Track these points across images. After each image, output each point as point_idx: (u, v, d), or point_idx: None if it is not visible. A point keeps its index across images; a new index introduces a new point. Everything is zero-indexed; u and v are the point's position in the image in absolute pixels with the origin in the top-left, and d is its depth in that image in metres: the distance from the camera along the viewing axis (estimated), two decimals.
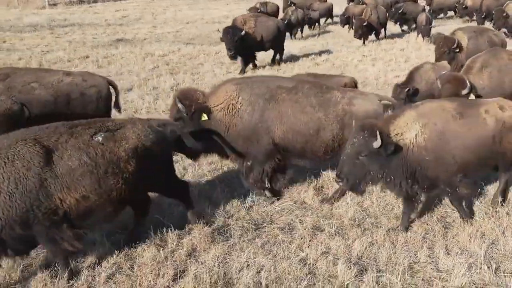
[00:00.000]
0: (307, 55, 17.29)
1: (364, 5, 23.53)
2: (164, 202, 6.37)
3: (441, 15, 27.93)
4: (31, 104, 7.04)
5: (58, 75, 7.66)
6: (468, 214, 5.92)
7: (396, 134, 5.45)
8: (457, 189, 5.64)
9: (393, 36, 22.11)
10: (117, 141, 4.94)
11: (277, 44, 15.79)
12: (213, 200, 6.50)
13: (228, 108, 6.30)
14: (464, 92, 7.75)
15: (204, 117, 6.20)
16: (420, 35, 20.35)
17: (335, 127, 6.32)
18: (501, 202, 6.21)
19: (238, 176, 6.91)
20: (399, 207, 6.24)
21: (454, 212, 6.15)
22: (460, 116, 5.61)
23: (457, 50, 11.35)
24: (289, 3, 25.17)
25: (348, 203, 6.37)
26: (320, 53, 17.58)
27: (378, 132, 5.15)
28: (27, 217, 4.42)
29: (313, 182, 7.10)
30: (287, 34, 20.31)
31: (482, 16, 22.64)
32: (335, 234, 5.69)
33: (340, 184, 5.66)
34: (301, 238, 5.61)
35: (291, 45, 18.67)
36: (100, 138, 4.86)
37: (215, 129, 6.33)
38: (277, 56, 16.14)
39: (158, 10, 34.39)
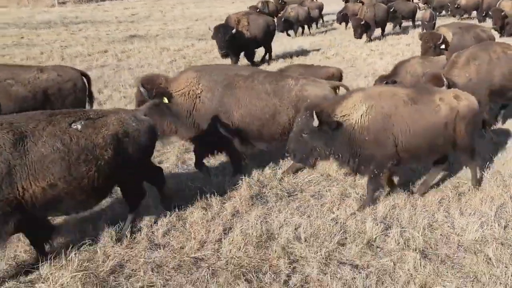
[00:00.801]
0: (317, 50, 17.98)
1: (361, 3, 23.53)
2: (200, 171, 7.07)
3: (443, 13, 28.58)
4: (8, 100, 7.14)
5: (34, 71, 7.76)
6: (372, 201, 6.23)
7: (342, 115, 5.90)
8: (380, 176, 6.03)
9: (398, 32, 22.77)
10: (96, 128, 4.94)
11: (267, 42, 16.06)
12: (246, 174, 7.17)
13: (188, 93, 6.80)
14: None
15: (165, 100, 6.66)
16: (424, 31, 20.99)
17: (290, 111, 6.90)
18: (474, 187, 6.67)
19: (267, 152, 7.59)
20: (415, 178, 6.93)
21: (466, 183, 6.83)
22: (412, 102, 5.96)
23: (443, 46, 11.47)
24: (280, 1, 25.45)
25: None
26: (329, 47, 18.30)
27: (315, 113, 5.65)
28: None
29: None
30: (289, 32, 20.95)
31: (483, 15, 23.19)
32: (360, 199, 6.37)
33: (290, 158, 6.18)
34: (331, 202, 6.30)
35: (301, 41, 19.44)
36: (79, 126, 4.87)
37: (177, 113, 6.78)
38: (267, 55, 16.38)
39: (166, 8, 35.12)
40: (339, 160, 6.10)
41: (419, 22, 23.02)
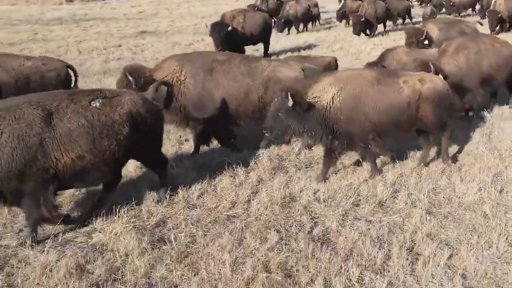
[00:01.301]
0: (323, 44, 18.71)
1: (361, 1, 23.79)
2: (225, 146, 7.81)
3: (443, 10, 29.27)
4: None
5: (20, 59, 8.26)
6: (377, 170, 6.92)
7: (314, 97, 6.48)
8: (369, 147, 6.65)
9: (400, 28, 23.47)
10: (113, 106, 5.45)
11: (264, 38, 16.33)
12: (266, 149, 7.88)
13: (172, 80, 7.36)
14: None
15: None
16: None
17: (260, 90, 7.56)
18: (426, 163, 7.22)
19: None
20: (419, 150, 7.65)
21: (466, 156, 7.55)
22: (377, 83, 6.56)
23: (426, 41, 11.85)
24: (276, 0, 25.50)
25: None
26: (334, 42, 19.02)
27: (290, 94, 6.23)
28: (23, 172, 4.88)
29: None
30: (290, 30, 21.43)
31: (485, 13, 23.81)
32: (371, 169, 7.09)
33: (266, 135, 6.76)
34: (345, 172, 7.03)
35: (307, 36, 20.15)
36: (98, 104, 5.36)
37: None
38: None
39: (172, 6, 35.83)
40: (312, 137, 6.69)
41: (421, 18, 23.72)
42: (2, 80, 7.90)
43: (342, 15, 24.10)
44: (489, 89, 9.42)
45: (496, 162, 7.16)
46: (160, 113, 6.07)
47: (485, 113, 9.46)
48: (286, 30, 22.29)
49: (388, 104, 6.56)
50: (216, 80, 7.51)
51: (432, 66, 8.02)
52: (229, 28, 14.22)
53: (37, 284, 4.51)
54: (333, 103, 6.47)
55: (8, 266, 4.83)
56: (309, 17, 23.65)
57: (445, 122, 7.11)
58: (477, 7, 27.05)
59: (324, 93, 6.51)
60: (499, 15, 19.34)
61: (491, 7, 20.44)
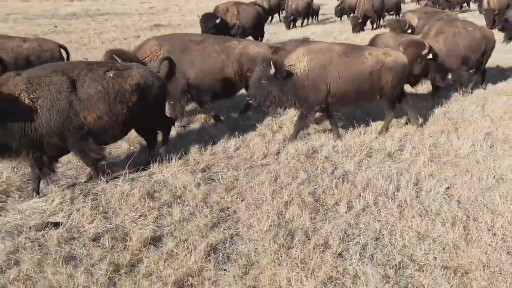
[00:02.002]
0: (329, 35, 19.86)
1: None
2: (252, 111, 8.96)
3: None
4: None
5: (17, 41, 9.09)
6: (339, 135, 7.88)
7: (290, 65, 7.38)
8: (333, 113, 7.77)
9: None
10: (124, 77, 6.20)
11: (257, 30, 16.49)
12: (287, 115, 9.01)
13: (153, 59, 8.05)
14: (424, 52, 8.87)
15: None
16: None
17: (235, 65, 8.44)
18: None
19: None
20: (422, 117, 8.79)
21: (462, 121, 8.69)
22: (344, 55, 7.52)
23: (409, 31, 12.56)
24: None
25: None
26: (340, 33, 20.17)
27: (272, 62, 7.09)
28: (62, 129, 5.73)
29: None
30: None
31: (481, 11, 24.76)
32: (380, 130, 8.24)
33: (250, 102, 7.51)
34: (358, 131, 8.16)
35: (314, 28, 21.25)
36: (112, 74, 6.11)
37: None
38: None
39: (181, 2, 36.99)
40: (288, 102, 7.47)
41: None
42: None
43: (341, 11, 25.04)
44: (466, 68, 10.29)
45: (487, 125, 8.30)
46: (163, 84, 6.88)
47: (481, 89, 10.62)
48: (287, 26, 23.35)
49: (353, 73, 7.49)
50: (192, 58, 8.28)
51: (426, 44, 9.00)
52: (217, 20, 14.15)
53: (119, 204, 5.66)
54: (304, 71, 7.37)
55: (91, 194, 5.97)
56: (311, 12, 24.62)
57: (395, 101, 8.10)
58: (472, 5, 28.06)
59: (297, 61, 7.44)
60: (496, 12, 20.08)
61: (484, 5, 21.02)
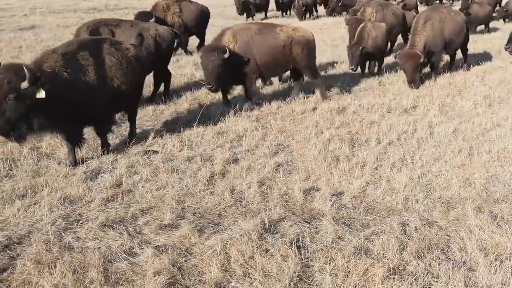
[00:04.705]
0: (339, 26, 21.41)
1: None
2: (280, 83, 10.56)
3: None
4: None
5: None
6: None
7: (224, 43, 8.62)
8: (252, 86, 8.96)
9: None
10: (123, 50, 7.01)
11: (200, 29, 15.62)
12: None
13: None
14: (421, 60, 10.12)
15: None
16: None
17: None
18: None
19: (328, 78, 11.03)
20: (429, 79, 10.35)
21: (464, 88, 10.27)
22: (260, 32, 8.96)
23: None
24: None
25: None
26: None
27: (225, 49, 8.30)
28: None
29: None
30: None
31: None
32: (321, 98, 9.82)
33: (208, 87, 8.54)
34: (378, 94, 9.75)
35: (325, 20, 22.83)
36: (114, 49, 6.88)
37: None
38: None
39: None
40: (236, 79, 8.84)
41: None
42: None
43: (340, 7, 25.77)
44: (451, 51, 11.62)
45: (486, 90, 9.89)
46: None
47: (481, 66, 12.22)
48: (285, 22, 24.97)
49: (268, 47, 8.94)
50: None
51: (410, 36, 10.45)
52: (152, 19, 12.95)
53: (199, 139, 7.24)
54: (235, 49, 8.67)
55: (175, 133, 7.55)
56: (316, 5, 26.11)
57: (314, 72, 9.55)
58: None
59: (229, 42, 8.73)
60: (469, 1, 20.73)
61: None
